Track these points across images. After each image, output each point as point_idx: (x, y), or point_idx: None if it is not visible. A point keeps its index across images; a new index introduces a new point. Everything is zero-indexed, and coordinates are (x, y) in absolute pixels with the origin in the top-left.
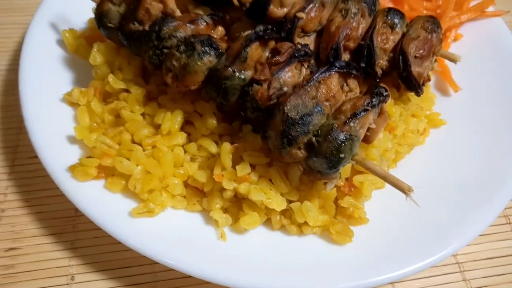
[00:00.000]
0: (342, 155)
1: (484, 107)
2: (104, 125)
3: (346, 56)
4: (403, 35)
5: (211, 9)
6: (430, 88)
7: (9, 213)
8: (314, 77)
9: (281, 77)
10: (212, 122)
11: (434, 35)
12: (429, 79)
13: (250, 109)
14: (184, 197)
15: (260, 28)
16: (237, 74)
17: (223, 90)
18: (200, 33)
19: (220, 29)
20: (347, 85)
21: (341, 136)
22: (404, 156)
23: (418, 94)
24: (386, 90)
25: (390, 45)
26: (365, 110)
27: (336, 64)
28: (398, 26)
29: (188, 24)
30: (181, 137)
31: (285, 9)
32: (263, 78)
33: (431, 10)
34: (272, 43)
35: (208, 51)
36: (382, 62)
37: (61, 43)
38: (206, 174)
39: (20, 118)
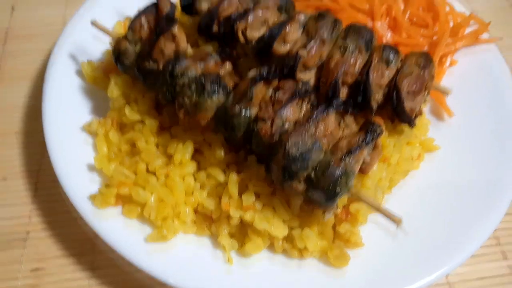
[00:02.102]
0: (338, 189)
1: (477, 133)
2: (121, 153)
3: (344, 90)
4: (397, 70)
5: (219, 44)
6: (425, 115)
7: (33, 235)
8: (313, 116)
9: (283, 115)
10: (220, 153)
11: (426, 71)
12: (421, 113)
13: (255, 143)
14: (195, 222)
15: (265, 69)
16: (243, 112)
17: (231, 126)
18: (209, 70)
19: (228, 65)
20: (343, 122)
21: (337, 172)
22: (399, 181)
23: (411, 126)
24: (379, 127)
25: (385, 80)
26: (360, 147)
27: (334, 103)
28: (393, 62)
29: (198, 63)
30: (192, 166)
31: (288, 46)
32: (266, 116)
33: (428, 37)
34: (275, 82)
35: (216, 90)
36: (377, 96)
37: (80, 73)
38: (214, 201)
39: (42, 143)
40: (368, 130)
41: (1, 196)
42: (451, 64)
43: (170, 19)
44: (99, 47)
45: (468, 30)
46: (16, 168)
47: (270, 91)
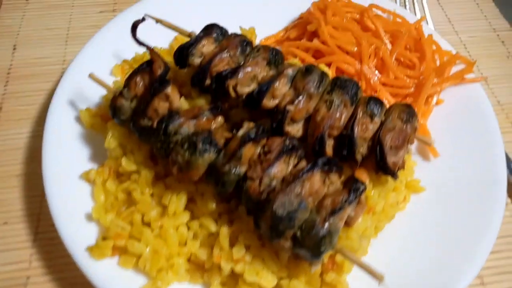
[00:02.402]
0: (322, 249)
1: (463, 173)
2: (118, 202)
3: (330, 142)
4: (382, 123)
5: (211, 97)
6: (411, 155)
7: (33, 280)
8: (300, 175)
9: (271, 173)
10: (212, 206)
11: (409, 125)
12: (403, 166)
13: (244, 199)
14: (188, 271)
15: (253, 131)
16: (233, 170)
17: (221, 183)
18: (201, 127)
19: (220, 119)
20: (328, 179)
21: (322, 232)
22: (385, 226)
23: (394, 179)
24: (362, 184)
25: (369, 133)
26: (343, 207)
27: (319, 162)
28: (377, 115)
29: (191, 120)
30: (185, 216)
31: (276, 101)
32: (255, 175)
33: (414, 77)
34: (263, 140)
35: (208, 148)
36: (362, 150)
37: (79, 118)
38: (207, 252)
39: (43, 186)
40: (351, 189)
41: (2, 241)
42: (437, 103)
43: (164, 81)
44: (97, 90)
45: (454, 68)
46: (17, 212)
47: (258, 149)
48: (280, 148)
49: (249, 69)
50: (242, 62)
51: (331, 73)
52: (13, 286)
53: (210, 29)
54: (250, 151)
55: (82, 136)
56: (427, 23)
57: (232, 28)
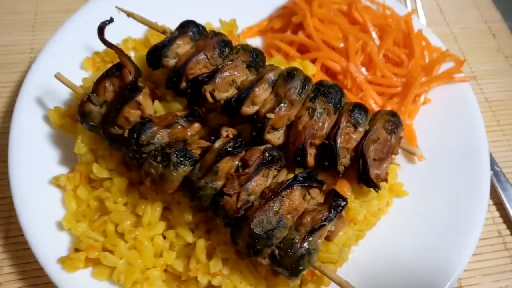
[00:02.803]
0: (301, 268)
1: (447, 177)
2: (90, 210)
3: (312, 151)
4: (366, 132)
5: (187, 99)
6: (395, 159)
7: (5, 286)
8: (278, 191)
9: (249, 188)
10: (188, 217)
11: (394, 136)
12: (386, 179)
13: (221, 214)
14: (164, 281)
15: (230, 144)
16: (209, 185)
17: (197, 197)
18: (176, 135)
19: (196, 125)
20: (309, 195)
21: (300, 251)
22: (366, 233)
23: (376, 191)
24: (343, 201)
25: (352, 144)
26: (323, 226)
27: (299, 178)
28: (361, 124)
29: (165, 129)
30: (161, 226)
31: (256, 107)
32: (232, 192)
33: (402, 76)
34: (241, 154)
35: (182, 161)
36: (344, 160)
37: (47, 118)
38: (183, 263)
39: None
40: (331, 206)
41: None
42: (424, 102)
43: (134, 88)
44: (66, 88)
45: (444, 64)
46: None
47: (236, 162)
48: (259, 161)
49: (227, 73)
50: (220, 65)
51: (316, 69)
52: None
53: (185, 27)
54: (227, 165)
55: (50, 136)
56: (417, 16)
57: (212, 16)
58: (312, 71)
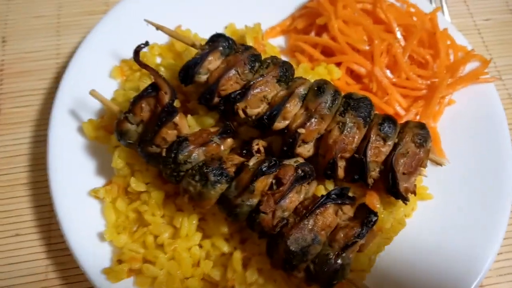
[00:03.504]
0: (335, 281)
1: (471, 180)
2: (129, 221)
3: (341, 164)
4: (395, 145)
5: (219, 114)
6: (423, 171)
7: None
8: (312, 210)
9: (284, 205)
10: (224, 229)
11: (422, 149)
12: (414, 192)
13: (257, 230)
14: None
15: (265, 164)
16: (246, 203)
17: (234, 214)
18: (211, 152)
19: (229, 141)
20: (341, 211)
21: (334, 267)
22: (393, 239)
23: (405, 203)
24: (374, 216)
25: (381, 157)
26: (356, 242)
27: (332, 196)
28: (390, 137)
29: (200, 147)
30: (197, 237)
31: (287, 122)
32: (268, 210)
33: (426, 78)
34: (275, 172)
35: (219, 180)
36: (373, 173)
37: (81, 129)
38: (220, 272)
39: (50, 196)
40: (363, 223)
41: (16, 252)
42: (448, 104)
43: (171, 110)
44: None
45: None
46: (27, 222)
47: (270, 180)
48: (293, 179)
49: (258, 90)
50: (251, 80)
51: (341, 73)
52: None
53: (215, 42)
54: (263, 184)
55: (85, 147)
56: (442, 12)
57: (233, 14)
58: (338, 75)
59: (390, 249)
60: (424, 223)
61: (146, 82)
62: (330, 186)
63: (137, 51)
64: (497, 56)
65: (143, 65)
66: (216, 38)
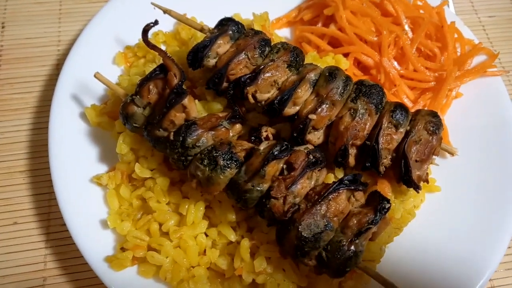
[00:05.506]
0: (348, 269)
1: (479, 173)
2: (133, 209)
3: (352, 152)
4: (407, 133)
5: (227, 100)
6: (435, 159)
7: (50, 281)
8: (325, 195)
9: (295, 191)
10: (231, 217)
11: (435, 137)
12: (427, 180)
13: (267, 217)
14: (208, 278)
15: (277, 148)
16: (256, 188)
17: (243, 200)
18: (220, 137)
19: (237, 126)
20: (353, 197)
21: (348, 254)
22: (402, 230)
23: (417, 191)
24: (387, 203)
25: (393, 144)
26: (369, 228)
27: (345, 182)
28: (402, 125)
29: (209, 131)
30: (204, 225)
31: (297, 107)
32: (279, 195)
33: (434, 70)
34: (286, 157)
35: (229, 164)
36: (385, 161)
37: (84, 115)
38: (227, 261)
39: (50, 183)
40: (377, 209)
41: (14, 241)
42: (456, 96)
43: (181, 92)
44: (100, 85)
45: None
46: (26, 211)
47: (281, 165)
48: (304, 164)
49: (269, 74)
50: (261, 65)
51: (348, 64)
52: (31, 287)
53: (225, 25)
54: (274, 168)
55: (88, 134)
56: (447, 5)
57: (238, 4)
58: (345, 65)
59: (398, 240)
60: (432, 216)
61: (152, 67)
62: (340, 174)
63: (145, 30)
64: (502, 53)
65: (152, 46)
66: (226, 22)
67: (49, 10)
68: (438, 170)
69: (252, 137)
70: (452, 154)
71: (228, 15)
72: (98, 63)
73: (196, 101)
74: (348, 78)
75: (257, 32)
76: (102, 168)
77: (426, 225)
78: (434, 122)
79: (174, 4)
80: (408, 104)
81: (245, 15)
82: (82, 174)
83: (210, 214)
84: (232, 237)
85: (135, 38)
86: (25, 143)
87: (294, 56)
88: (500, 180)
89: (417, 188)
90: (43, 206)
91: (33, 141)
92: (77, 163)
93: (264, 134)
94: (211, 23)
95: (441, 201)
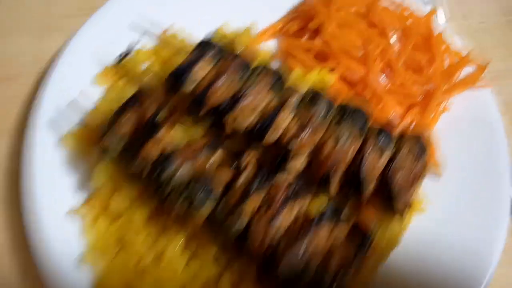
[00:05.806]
0: None
1: (467, 189)
2: (110, 244)
3: (336, 177)
4: (391, 159)
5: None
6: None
7: None
8: (305, 231)
9: (275, 226)
10: (213, 249)
11: (420, 163)
12: (411, 205)
13: (246, 254)
14: None
15: (256, 182)
16: (234, 225)
17: (222, 235)
18: (199, 166)
19: (218, 153)
20: (337, 228)
21: None
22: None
23: (402, 217)
24: (370, 239)
25: (378, 170)
26: (351, 268)
27: (325, 217)
28: (387, 149)
29: (188, 162)
30: (183, 260)
31: (279, 132)
32: (258, 232)
33: (421, 83)
34: (266, 188)
35: (205, 201)
36: (370, 187)
37: (61, 141)
38: None
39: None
40: (359, 246)
41: None
42: (443, 111)
43: (155, 125)
44: (79, 109)
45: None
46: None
47: (260, 200)
48: (284, 198)
49: (248, 100)
50: (242, 90)
51: (334, 79)
52: None
53: (204, 48)
54: (251, 206)
55: (65, 160)
56: (437, 15)
57: (224, 15)
58: (331, 81)
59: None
60: (422, 235)
61: (131, 91)
62: (324, 199)
63: (121, 58)
64: (493, 60)
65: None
66: (204, 44)
67: (26, 26)
68: (427, 184)
69: (234, 164)
70: (438, 175)
71: (216, 24)
72: (77, 84)
73: (177, 126)
74: (330, 102)
75: (236, 56)
76: (81, 196)
77: (413, 245)
78: (419, 147)
79: (161, 13)
80: (395, 119)
81: (234, 23)
82: (58, 203)
83: (193, 244)
84: (214, 270)
85: (117, 55)
86: (2, 170)
87: (275, 79)
88: (489, 194)
89: (402, 214)
90: (23, 244)
91: (9, 169)
92: (52, 192)
93: (244, 163)
94: (198, 32)
95: (429, 218)
